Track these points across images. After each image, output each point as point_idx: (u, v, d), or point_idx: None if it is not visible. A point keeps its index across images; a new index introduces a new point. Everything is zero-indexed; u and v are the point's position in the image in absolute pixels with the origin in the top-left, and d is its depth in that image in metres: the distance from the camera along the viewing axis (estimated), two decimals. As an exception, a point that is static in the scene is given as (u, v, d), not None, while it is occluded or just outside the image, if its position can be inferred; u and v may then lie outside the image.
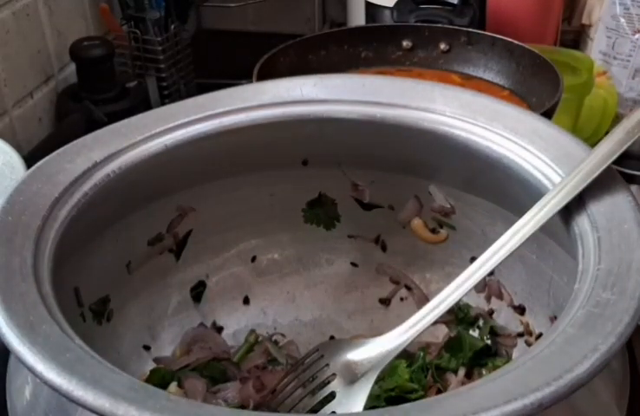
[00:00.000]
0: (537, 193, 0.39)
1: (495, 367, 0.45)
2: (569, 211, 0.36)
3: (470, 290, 0.36)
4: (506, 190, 0.43)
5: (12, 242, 0.33)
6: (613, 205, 0.35)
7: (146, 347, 0.47)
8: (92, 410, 0.25)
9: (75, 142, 0.41)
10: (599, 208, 0.35)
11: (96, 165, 0.39)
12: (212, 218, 0.49)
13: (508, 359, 0.46)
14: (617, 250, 0.33)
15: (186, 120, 0.43)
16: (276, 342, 0.50)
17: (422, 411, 0.26)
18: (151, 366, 0.47)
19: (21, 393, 0.33)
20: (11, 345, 0.28)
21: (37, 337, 0.28)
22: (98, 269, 0.43)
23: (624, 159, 0.62)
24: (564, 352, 0.28)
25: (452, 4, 0.73)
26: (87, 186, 0.38)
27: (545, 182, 0.38)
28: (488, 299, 0.49)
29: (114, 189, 0.40)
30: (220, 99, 0.45)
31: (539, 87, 0.65)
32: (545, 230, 0.42)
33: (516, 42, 0.69)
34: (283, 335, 0.51)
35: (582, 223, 0.35)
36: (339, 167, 0.50)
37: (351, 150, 0.48)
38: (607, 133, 0.65)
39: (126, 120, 0.43)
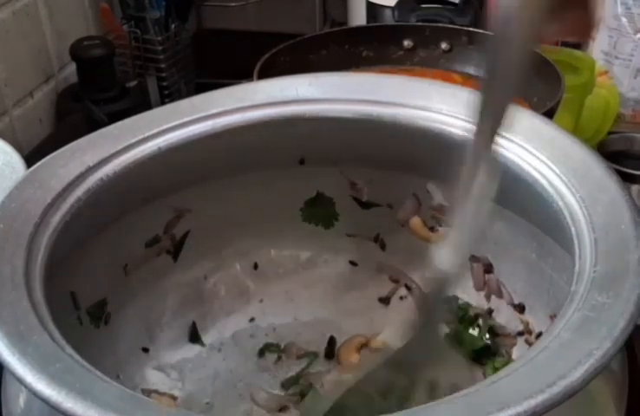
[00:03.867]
0: (534, 192, 0.38)
1: (495, 369, 0.45)
2: (566, 212, 0.36)
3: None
4: (504, 189, 0.42)
5: (3, 250, 0.33)
6: (610, 206, 0.35)
7: (145, 350, 0.47)
8: (81, 421, 0.25)
9: (68, 146, 0.40)
10: (596, 208, 0.35)
11: (89, 170, 0.39)
12: (209, 219, 0.49)
13: (508, 359, 0.46)
14: (614, 252, 0.32)
15: (180, 121, 0.43)
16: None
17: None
18: (150, 367, 0.47)
19: (15, 400, 0.33)
20: (1, 356, 0.27)
21: (27, 347, 0.28)
22: (94, 273, 0.43)
23: (624, 158, 0.62)
24: (558, 357, 0.28)
25: (453, 4, 0.72)
26: (80, 191, 0.38)
27: (543, 181, 0.38)
28: (488, 297, 0.49)
29: (109, 193, 0.40)
30: (214, 99, 0.45)
31: (541, 87, 0.64)
32: (544, 228, 0.42)
33: (517, 41, 0.68)
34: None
35: (579, 223, 0.35)
36: (336, 166, 0.50)
37: (348, 149, 0.48)
38: (609, 133, 0.65)
39: (120, 122, 0.43)
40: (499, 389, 0.27)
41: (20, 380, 0.27)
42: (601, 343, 0.28)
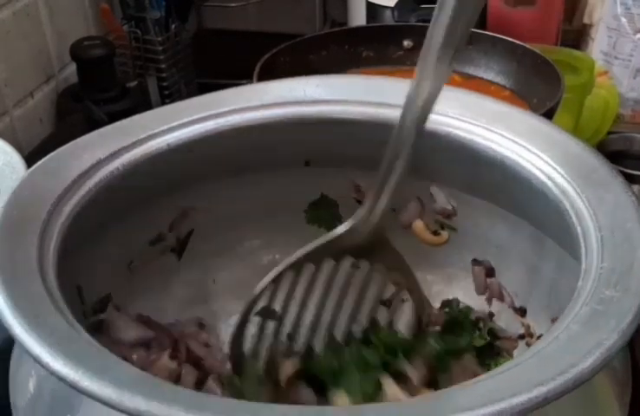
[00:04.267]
0: (539, 194, 0.39)
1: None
2: (572, 212, 0.36)
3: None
4: (507, 191, 0.43)
5: (17, 236, 0.33)
6: (615, 204, 0.35)
7: (148, 348, 0.47)
8: (98, 400, 0.25)
9: (79, 139, 0.41)
10: (602, 207, 0.35)
11: (100, 162, 0.40)
12: (214, 218, 0.49)
13: (511, 359, 0.46)
14: (620, 249, 0.33)
15: (190, 119, 0.43)
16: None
17: (429, 404, 0.26)
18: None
19: (24, 386, 0.33)
20: (18, 336, 0.27)
21: (44, 329, 0.28)
22: (100, 269, 0.43)
23: (624, 158, 0.62)
24: (568, 348, 0.28)
25: (453, 4, 0.73)
26: (91, 183, 0.38)
27: (548, 182, 0.39)
28: (489, 301, 0.49)
29: (117, 187, 0.40)
30: (224, 98, 0.45)
31: (540, 87, 0.65)
32: (545, 230, 0.43)
33: (517, 41, 0.69)
34: None
35: (585, 222, 0.35)
36: (341, 168, 0.50)
37: (353, 151, 0.48)
38: (609, 133, 0.65)
39: (130, 117, 0.43)
40: (512, 376, 0.27)
41: (37, 360, 0.27)
42: (610, 335, 0.28)
